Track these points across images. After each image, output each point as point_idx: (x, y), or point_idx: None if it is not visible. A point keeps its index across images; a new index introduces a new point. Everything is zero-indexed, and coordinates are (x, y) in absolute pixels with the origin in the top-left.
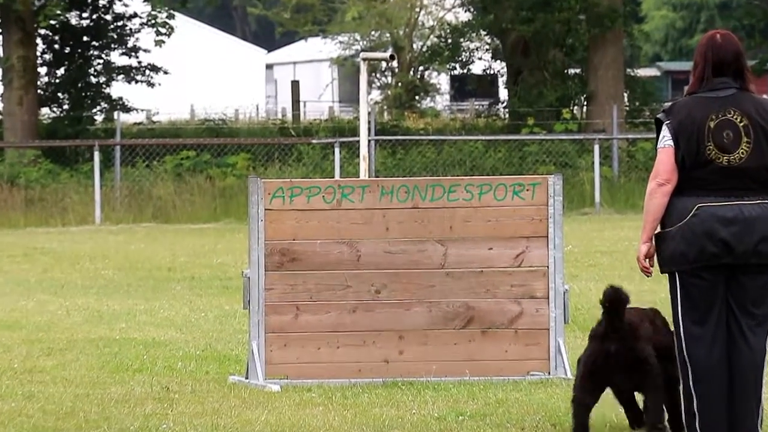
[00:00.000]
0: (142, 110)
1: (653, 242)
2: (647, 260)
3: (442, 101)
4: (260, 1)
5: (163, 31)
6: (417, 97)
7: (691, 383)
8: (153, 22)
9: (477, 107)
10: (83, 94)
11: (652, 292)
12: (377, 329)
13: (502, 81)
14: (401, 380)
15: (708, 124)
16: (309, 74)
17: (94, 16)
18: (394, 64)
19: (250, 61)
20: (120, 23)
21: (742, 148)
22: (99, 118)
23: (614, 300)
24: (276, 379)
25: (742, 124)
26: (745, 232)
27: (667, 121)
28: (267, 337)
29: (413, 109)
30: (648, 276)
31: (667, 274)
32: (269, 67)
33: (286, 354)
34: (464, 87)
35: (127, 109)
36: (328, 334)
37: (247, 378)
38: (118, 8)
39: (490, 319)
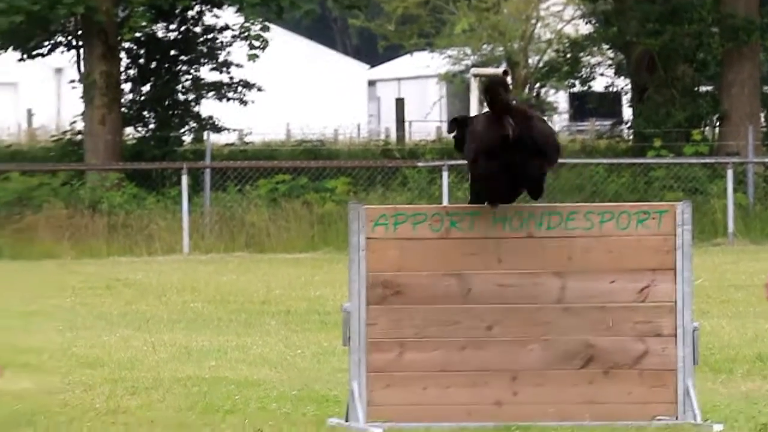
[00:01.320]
0: (234, 130)
1: None
2: None
3: (560, 121)
4: (362, 13)
5: (257, 44)
6: None
7: None
8: (246, 34)
9: (598, 128)
10: (170, 112)
11: None
12: (489, 368)
13: (625, 99)
14: (515, 425)
15: None
16: (414, 91)
17: (183, 29)
18: (508, 80)
19: (351, 77)
20: (210, 36)
21: None
22: (187, 138)
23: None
24: (378, 422)
25: None
26: None
27: None
28: (369, 377)
29: None
30: None
31: None
32: (371, 83)
33: (390, 395)
34: (584, 105)
35: (217, 129)
36: (436, 374)
37: (347, 421)
38: (208, 20)
39: (612, 359)
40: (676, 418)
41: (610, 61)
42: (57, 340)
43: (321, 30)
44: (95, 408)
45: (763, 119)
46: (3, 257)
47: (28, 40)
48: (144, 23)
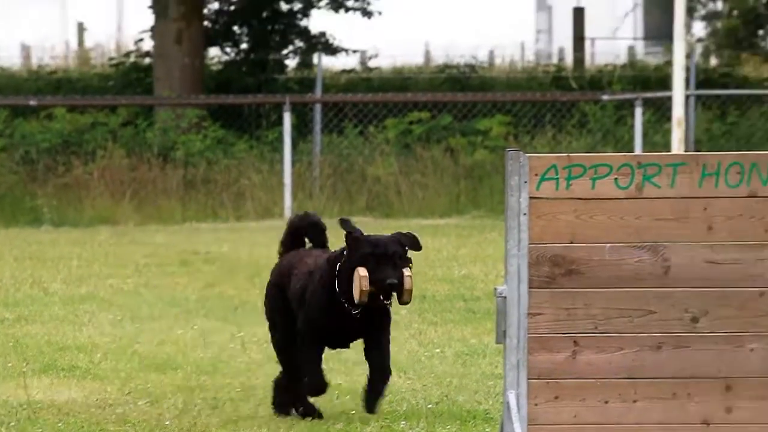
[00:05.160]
0: (354, 51)
1: None
2: None
3: None
4: None
5: None
6: (761, 32)
7: None
8: None
9: None
10: (269, 27)
11: None
12: (694, 376)
13: None
14: None
15: None
16: None
17: None
18: None
19: None
20: None
21: None
22: (291, 62)
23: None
24: None
25: None
26: None
27: None
28: (531, 386)
29: (755, 50)
30: None
31: None
32: None
33: (559, 411)
34: None
35: (332, 50)
36: (621, 382)
37: None
38: None
39: None
40: None
41: None
42: (114, 334)
43: None
44: (164, 426)
45: None
46: (43, 222)
47: None
48: None
